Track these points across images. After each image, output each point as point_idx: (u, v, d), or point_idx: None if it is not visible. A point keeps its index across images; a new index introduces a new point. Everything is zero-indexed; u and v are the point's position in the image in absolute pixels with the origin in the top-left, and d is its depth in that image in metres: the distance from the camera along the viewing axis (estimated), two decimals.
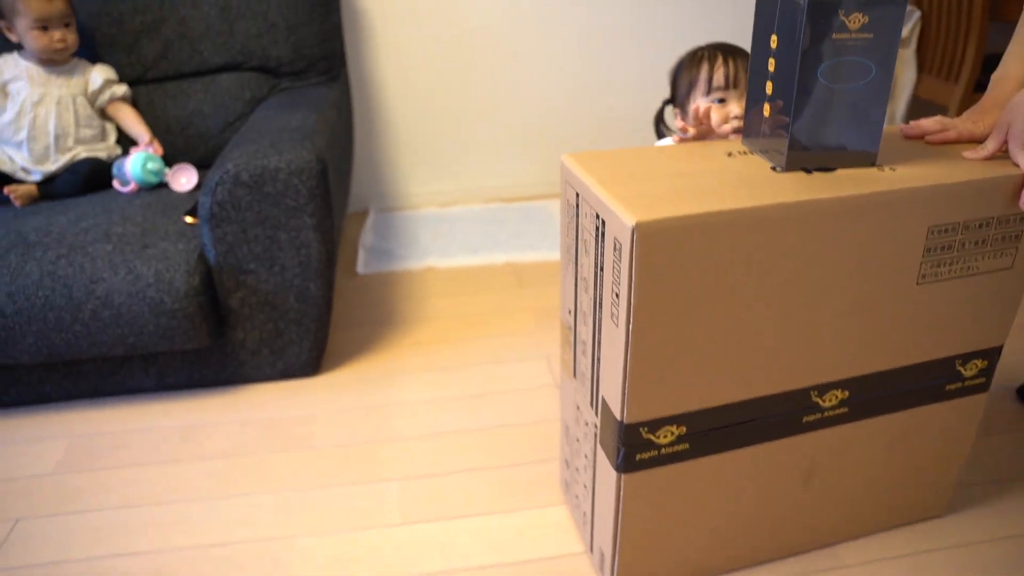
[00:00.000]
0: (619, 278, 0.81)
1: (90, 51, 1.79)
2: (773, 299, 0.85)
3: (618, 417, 0.88)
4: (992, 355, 1.02)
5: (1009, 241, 0.92)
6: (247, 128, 1.59)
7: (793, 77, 0.83)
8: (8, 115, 1.67)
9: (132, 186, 1.67)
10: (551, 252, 2.11)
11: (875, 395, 0.98)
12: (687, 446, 0.92)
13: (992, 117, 0.96)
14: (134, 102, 1.83)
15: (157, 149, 1.75)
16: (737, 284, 0.83)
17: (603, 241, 0.84)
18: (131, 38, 1.83)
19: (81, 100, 1.74)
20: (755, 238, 0.81)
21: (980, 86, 2.09)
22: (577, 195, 0.91)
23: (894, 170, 0.88)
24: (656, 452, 0.91)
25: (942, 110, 2.32)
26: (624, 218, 0.77)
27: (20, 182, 1.68)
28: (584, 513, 1.11)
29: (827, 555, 1.11)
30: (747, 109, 0.96)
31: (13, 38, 1.66)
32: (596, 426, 0.98)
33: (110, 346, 1.39)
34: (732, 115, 1.19)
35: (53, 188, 1.67)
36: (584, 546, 1.14)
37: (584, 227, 0.90)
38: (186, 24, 1.85)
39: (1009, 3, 2.04)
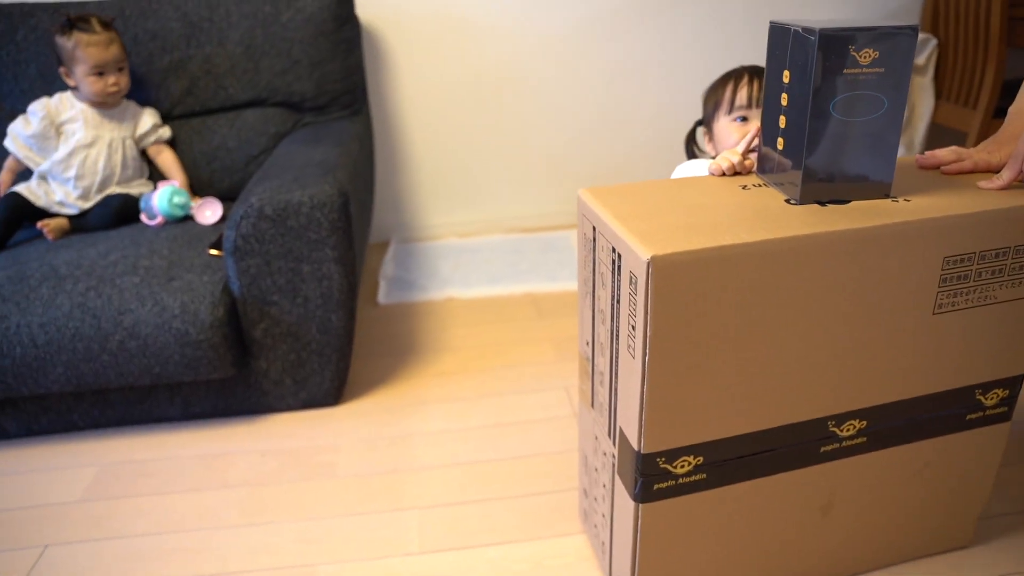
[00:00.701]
0: (635, 311, 0.82)
1: None
2: (788, 330, 0.86)
3: (635, 447, 0.89)
4: (1014, 384, 1.02)
5: None
6: (271, 162, 1.63)
7: (806, 111, 0.85)
8: (60, 153, 1.73)
9: (159, 219, 1.71)
10: (570, 282, 2.12)
11: (894, 425, 0.98)
12: (704, 476, 0.92)
13: (1008, 149, 0.97)
14: (170, 142, 1.89)
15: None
16: (752, 316, 0.84)
17: (619, 274, 0.85)
18: (159, 76, 1.88)
19: (129, 142, 1.81)
20: (770, 270, 0.82)
21: (999, 112, 2.09)
22: (594, 229, 0.93)
23: (908, 201, 0.89)
24: (673, 482, 0.92)
25: (961, 136, 2.32)
26: (639, 252, 0.78)
27: (52, 215, 1.73)
28: (603, 542, 1.11)
29: None
30: (761, 142, 0.97)
31: (71, 83, 1.74)
32: (614, 456, 0.98)
33: (137, 376, 1.42)
34: (751, 133, 1.20)
35: (85, 222, 1.73)
36: (603, 575, 1.14)
37: (601, 260, 0.91)
38: (212, 62, 1.90)
39: None
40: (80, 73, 1.70)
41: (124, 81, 1.75)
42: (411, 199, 2.49)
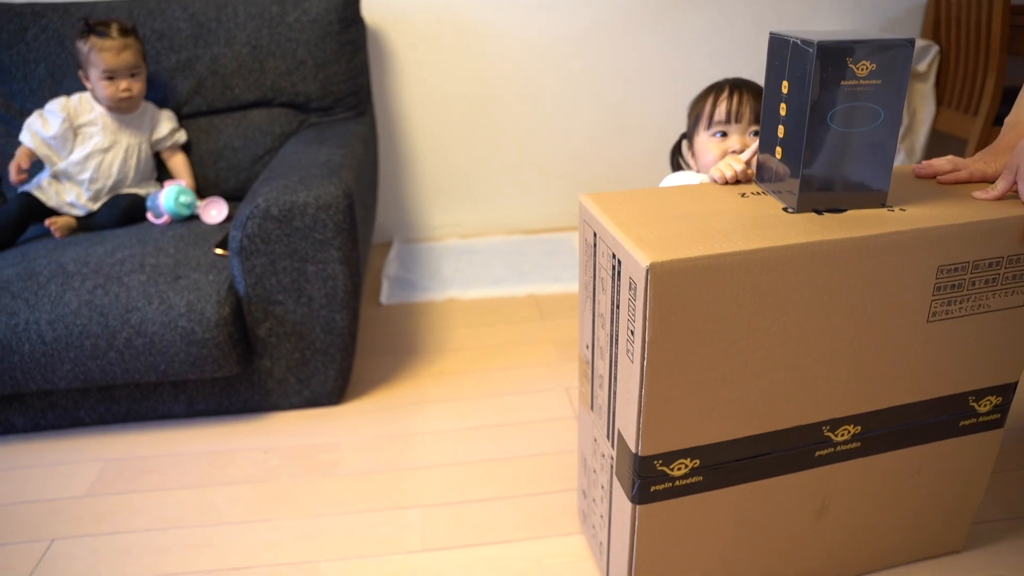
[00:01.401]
0: (634, 316, 0.84)
1: None
2: (784, 336, 0.88)
3: (633, 450, 0.91)
4: (1007, 391, 1.03)
5: (1021, 279, 0.93)
6: (276, 163, 1.65)
7: (804, 122, 0.86)
8: (77, 155, 1.74)
9: (165, 218, 1.73)
10: (573, 284, 2.14)
11: (888, 430, 0.99)
12: (701, 478, 0.94)
13: (1004, 159, 0.98)
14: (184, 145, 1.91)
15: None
16: (749, 322, 0.85)
17: (619, 280, 0.87)
18: (166, 75, 1.90)
19: (145, 147, 1.82)
20: (767, 278, 0.83)
21: (1000, 119, 2.10)
22: (595, 234, 0.94)
23: (904, 210, 0.90)
24: (670, 484, 0.93)
25: (961, 143, 2.33)
26: (639, 258, 0.80)
27: (60, 214, 1.75)
28: (600, 543, 1.12)
29: None
30: (760, 151, 0.98)
31: (88, 86, 1.76)
32: (612, 458, 1.00)
33: (143, 373, 1.44)
34: (730, 150, 1.21)
35: (93, 221, 1.74)
36: (600, 575, 1.16)
37: (601, 265, 0.93)
38: (219, 62, 1.92)
39: None
40: (94, 77, 1.72)
41: (138, 87, 1.75)
42: (414, 200, 2.51)
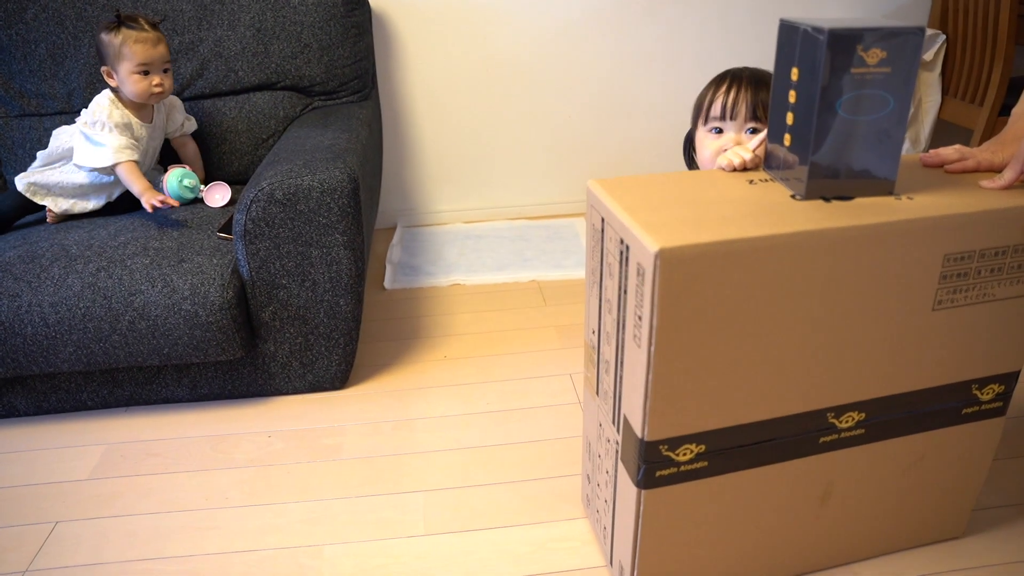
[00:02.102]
0: (642, 301, 0.84)
1: None
2: (791, 323, 0.88)
3: (639, 435, 0.91)
4: (1009, 380, 1.03)
5: None
6: (280, 146, 1.64)
7: (813, 109, 0.86)
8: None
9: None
10: (576, 270, 2.14)
11: (891, 417, 1.00)
12: (706, 464, 0.95)
13: (1012, 149, 0.98)
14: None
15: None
16: (756, 308, 0.85)
17: (627, 265, 0.87)
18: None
19: (159, 142, 1.79)
20: (774, 265, 0.83)
21: (1006, 109, 2.10)
22: (602, 220, 0.94)
23: (911, 199, 0.90)
24: (675, 469, 0.94)
25: (967, 133, 2.33)
26: (647, 244, 0.80)
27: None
28: (604, 527, 1.13)
29: (845, 572, 1.13)
30: (768, 138, 0.98)
31: (112, 83, 1.66)
32: (617, 443, 1.00)
33: (146, 356, 1.44)
34: (723, 147, 1.19)
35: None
36: (604, 560, 1.16)
37: (609, 251, 0.93)
38: (222, 44, 1.91)
39: None
40: (124, 71, 1.63)
41: (168, 83, 1.69)
42: (418, 185, 2.51)
